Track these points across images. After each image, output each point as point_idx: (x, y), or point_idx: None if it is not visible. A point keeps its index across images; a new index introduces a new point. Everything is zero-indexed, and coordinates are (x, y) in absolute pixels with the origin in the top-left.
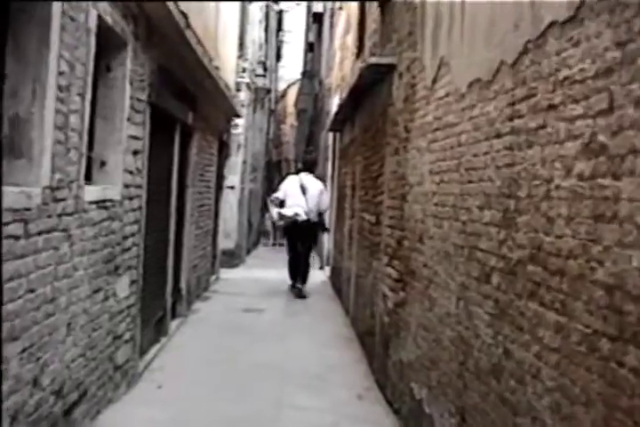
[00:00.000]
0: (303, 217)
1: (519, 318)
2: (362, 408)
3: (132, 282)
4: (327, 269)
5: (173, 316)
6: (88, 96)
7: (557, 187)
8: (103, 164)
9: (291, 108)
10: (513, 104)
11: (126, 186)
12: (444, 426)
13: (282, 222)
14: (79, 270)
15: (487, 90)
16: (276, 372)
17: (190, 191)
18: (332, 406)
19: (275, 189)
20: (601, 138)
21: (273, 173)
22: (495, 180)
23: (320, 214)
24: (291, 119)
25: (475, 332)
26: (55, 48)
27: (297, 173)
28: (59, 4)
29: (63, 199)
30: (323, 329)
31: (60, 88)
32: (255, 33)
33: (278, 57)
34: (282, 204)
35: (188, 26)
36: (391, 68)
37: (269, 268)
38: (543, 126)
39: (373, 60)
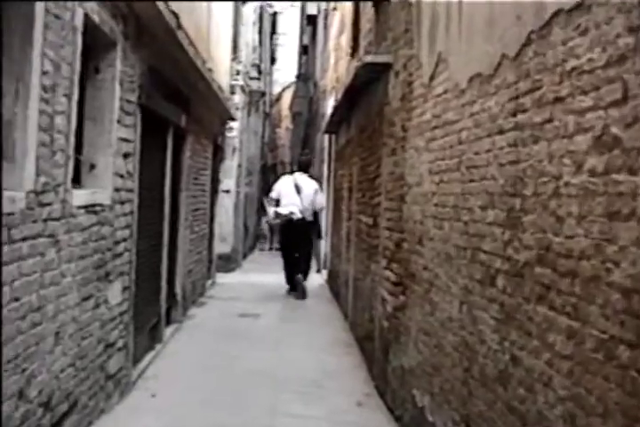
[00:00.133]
0: (298, 215)
1: (527, 323)
2: (362, 416)
3: (125, 288)
4: (324, 273)
5: (168, 322)
6: (75, 97)
7: (567, 184)
8: (92, 167)
9: (286, 112)
10: (516, 98)
11: (117, 190)
12: None
13: (278, 221)
14: (67, 277)
15: (488, 84)
16: (273, 378)
17: (184, 195)
18: (330, 413)
19: (270, 192)
20: (614, 130)
21: (269, 177)
22: (498, 178)
23: (315, 214)
24: (286, 122)
25: (479, 337)
26: (38, 46)
27: (291, 173)
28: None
29: (49, 204)
30: (320, 334)
31: (44, 88)
32: (249, 35)
33: (273, 60)
34: (278, 203)
35: (180, 26)
36: (387, 66)
37: (266, 272)
38: (550, 120)
39: (369, 58)
